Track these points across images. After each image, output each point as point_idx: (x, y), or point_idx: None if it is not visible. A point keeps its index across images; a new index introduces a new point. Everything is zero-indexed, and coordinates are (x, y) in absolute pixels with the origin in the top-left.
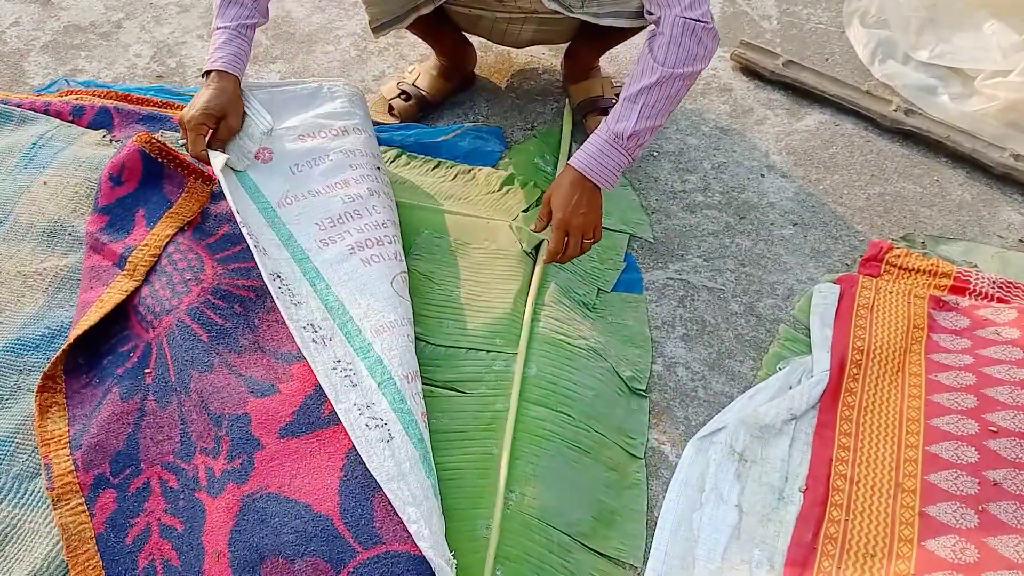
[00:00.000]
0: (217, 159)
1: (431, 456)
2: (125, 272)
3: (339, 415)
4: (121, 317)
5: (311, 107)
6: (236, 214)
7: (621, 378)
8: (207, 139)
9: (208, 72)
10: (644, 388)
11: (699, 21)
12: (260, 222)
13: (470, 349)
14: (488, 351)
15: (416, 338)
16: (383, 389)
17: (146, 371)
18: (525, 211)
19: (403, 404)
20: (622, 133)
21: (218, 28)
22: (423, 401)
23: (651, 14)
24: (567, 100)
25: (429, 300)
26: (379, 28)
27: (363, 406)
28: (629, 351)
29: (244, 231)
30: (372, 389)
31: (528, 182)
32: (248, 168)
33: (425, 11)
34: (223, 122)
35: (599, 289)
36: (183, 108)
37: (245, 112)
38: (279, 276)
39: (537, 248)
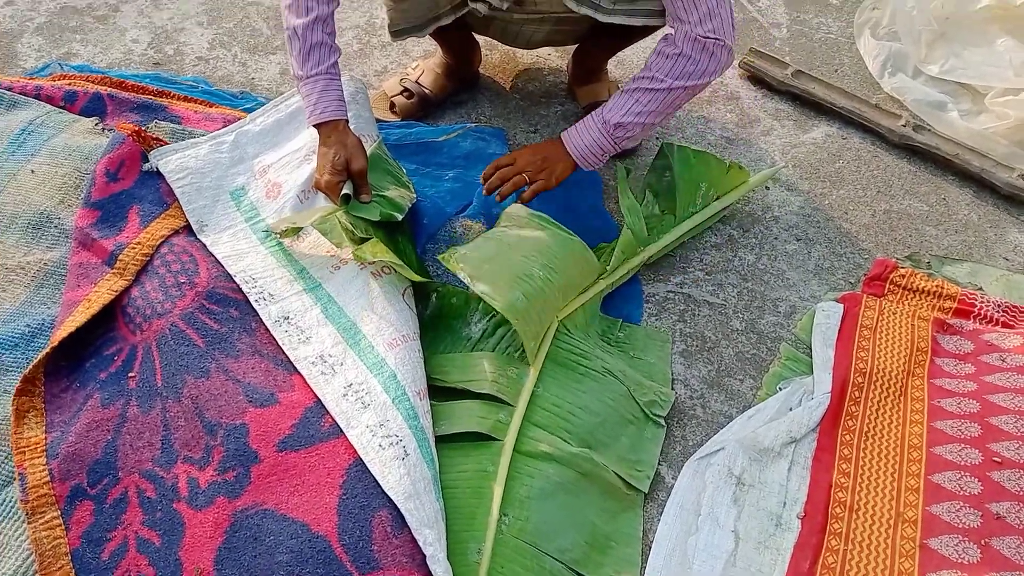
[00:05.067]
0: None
1: (439, 480)
2: (115, 270)
3: (351, 441)
4: (108, 318)
5: None
6: (234, 276)
7: (638, 403)
8: (346, 191)
9: (317, 125)
10: (664, 415)
11: (708, 37)
12: (271, 264)
13: (485, 348)
14: (504, 351)
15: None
16: (397, 405)
17: (130, 375)
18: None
19: (416, 421)
20: (608, 120)
21: (309, 76)
22: (432, 422)
23: (670, 18)
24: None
25: (510, 261)
26: (398, 33)
27: (376, 425)
28: (648, 383)
29: (244, 287)
30: (386, 405)
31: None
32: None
33: (446, 21)
34: (351, 168)
35: (622, 321)
36: (188, 101)
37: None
38: (286, 318)
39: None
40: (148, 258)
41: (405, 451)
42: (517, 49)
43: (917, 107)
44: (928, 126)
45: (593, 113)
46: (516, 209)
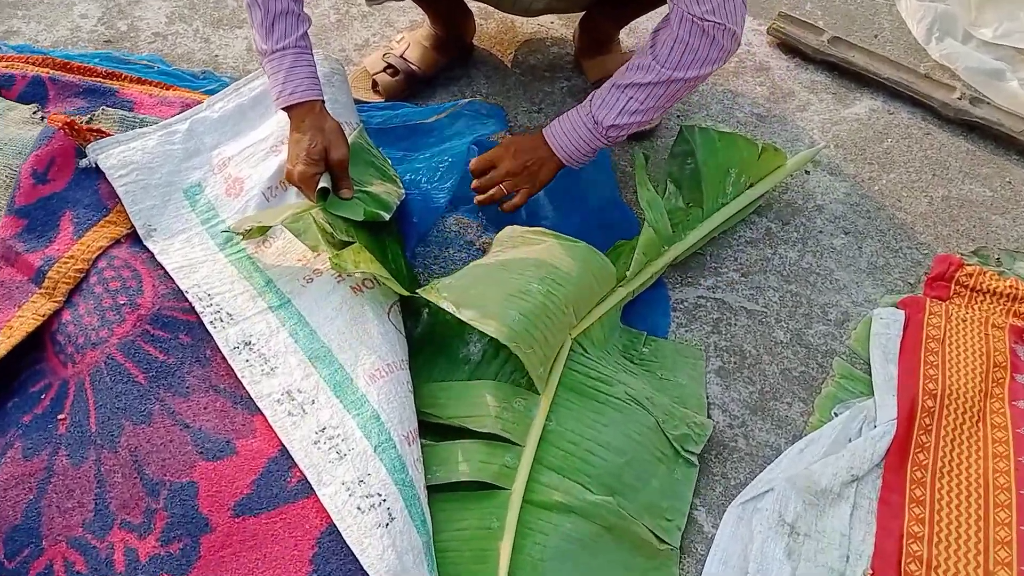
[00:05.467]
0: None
1: (433, 546)
2: (43, 290)
3: (323, 502)
4: (34, 347)
5: None
6: (186, 293)
7: (668, 438)
8: (323, 184)
9: (288, 107)
10: (697, 452)
11: (707, 19)
12: (230, 275)
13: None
14: (509, 380)
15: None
16: (380, 454)
17: (59, 417)
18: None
19: (404, 474)
20: (601, 121)
21: (274, 52)
22: (423, 471)
23: None
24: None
25: (502, 281)
26: None
27: (354, 482)
28: (681, 411)
29: (198, 305)
30: (367, 455)
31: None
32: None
33: None
34: (330, 157)
35: (647, 335)
36: (142, 83)
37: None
38: (248, 344)
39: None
40: (83, 275)
41: (390, 515)
42: (516, 17)
43: (971, 76)
44: (986, 98)
45: (580, 109)
46: (507, 231)
